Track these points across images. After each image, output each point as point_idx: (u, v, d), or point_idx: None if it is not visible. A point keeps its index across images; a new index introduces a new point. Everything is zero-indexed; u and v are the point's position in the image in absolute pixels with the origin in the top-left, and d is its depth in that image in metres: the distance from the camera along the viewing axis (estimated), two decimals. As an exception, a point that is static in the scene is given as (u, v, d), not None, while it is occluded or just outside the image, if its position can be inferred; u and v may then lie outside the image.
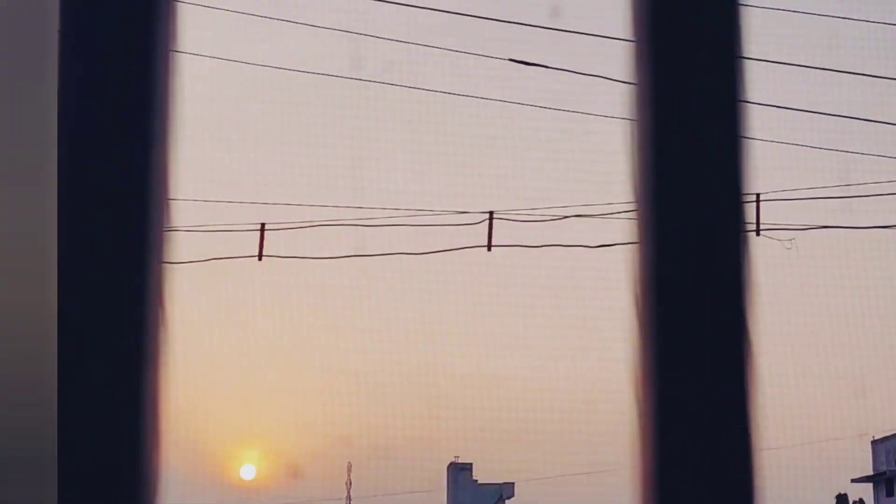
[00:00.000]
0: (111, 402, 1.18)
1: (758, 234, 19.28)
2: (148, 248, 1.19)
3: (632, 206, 1.08)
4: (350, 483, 68.44)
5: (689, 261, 1.02)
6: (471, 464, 57.85)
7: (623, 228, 20.56)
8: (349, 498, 69.32)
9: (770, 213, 19.59)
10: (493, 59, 19.25)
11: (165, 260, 1.22)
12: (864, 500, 37.20)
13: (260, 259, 19.76)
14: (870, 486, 36.90)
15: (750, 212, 1.05)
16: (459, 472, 57.65)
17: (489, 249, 20.69)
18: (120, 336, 1.17)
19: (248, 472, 51.11)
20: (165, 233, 1.22)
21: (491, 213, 20.45)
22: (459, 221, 20.86)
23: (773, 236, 19.26)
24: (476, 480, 58.08)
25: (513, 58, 19.09)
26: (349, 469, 66.14)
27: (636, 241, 1.07)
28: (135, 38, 1.19)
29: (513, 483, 56.73)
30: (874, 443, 34.70)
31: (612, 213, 20.78)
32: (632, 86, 1.10)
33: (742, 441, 1.01)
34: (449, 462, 57.33)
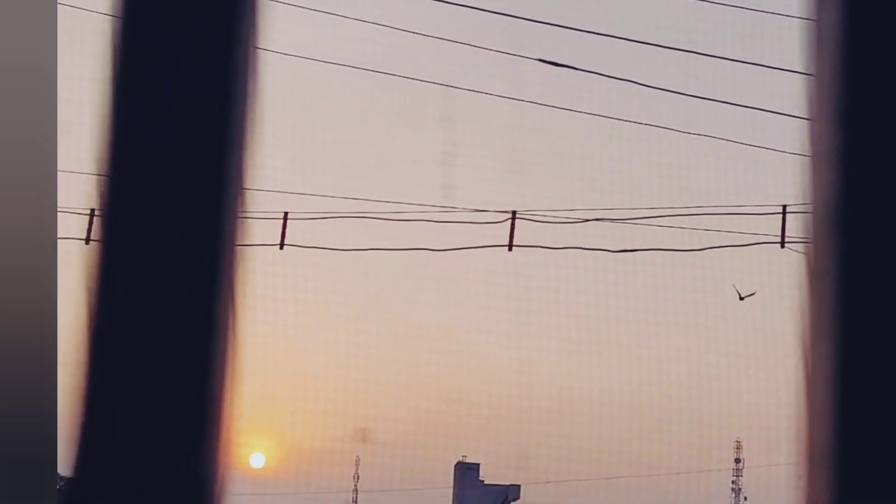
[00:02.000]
0: (180, 392, 1.14)
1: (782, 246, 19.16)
2: (221, 232, 1.15)
3: (806, 209, 1.00)
4: (358, 477, 68.62)
5: (874, 271, 0.94)
6: (478, 464, 57.93)
7: (646, 234, 20.42)
8: (356, 491, 69.49)
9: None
10: (525, 59, 19.18)
11: (238, 244, 1.18)
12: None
13: (281, 248, 19.70)
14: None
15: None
16: (466, 472, 57.69)
17: (510, 249, 20.58)
18: (192, 325, 1.13)
19: (257, 460, 51.31)
20: (239, 218, 1.19)
21: (514, 212, 20.34)
22: (481, 220, 20.77)
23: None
24: (482, 481, 58.15)
25: (542, 58, 19.02)
26: (357, 463, 66.37)
27: (810, 247, 0.99)
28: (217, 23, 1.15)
29: (519, 486, 56.81)
30: None
31: (635, 219, 20.68)
32: (809, 75, 1.02)
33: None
34: (456, 461, 57.38)
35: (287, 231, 19.54)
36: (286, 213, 19.58)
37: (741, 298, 22.00)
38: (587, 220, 20.77)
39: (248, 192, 1.21)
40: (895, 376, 0.93)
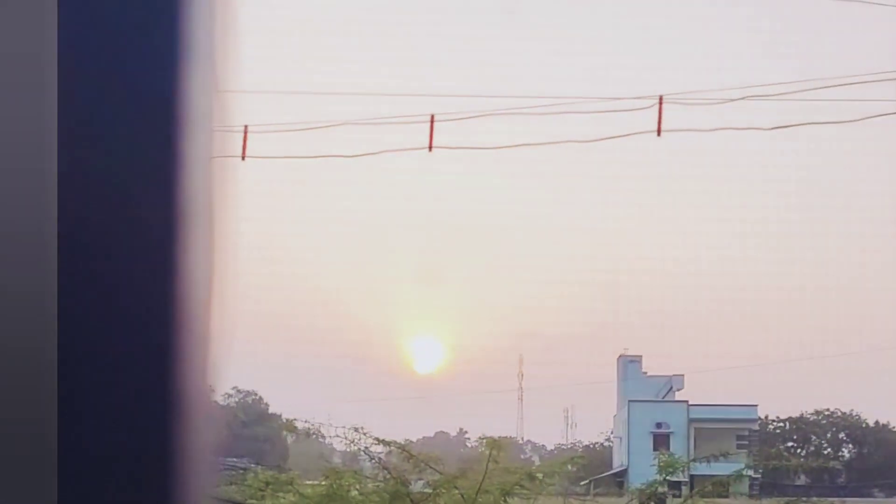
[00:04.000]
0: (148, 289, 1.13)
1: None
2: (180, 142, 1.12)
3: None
4: (522, 375, 69.12)
5: None
6: (640, 356, 57.84)
7: (800, 109, 19.95)
8: (521, 389, 70.07)
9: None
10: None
11: (217, 154, 1.16)
12: None
13: (430, 150, 19.81)
14: None
15: None
16: (629, 365, 57.70)
17: (659, 134, 20.29)
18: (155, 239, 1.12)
19: (424, 364, 52.06)
20: (217, 127, 1.16)
21: (661, 97, 20.02)
22: (628, 107, 20.53)
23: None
24: (645, 373, 58.06)
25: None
26: (521, 362, 66.79)
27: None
28: None
29: (682, 376, 56.55)
30: None
31: (786, 94, 20.20)
32: None
33: None
34: (619, 354, 57.43)
35: (434, 133, 19.59)
36: (433, 116, 19.62)
37: None
38: (733, 100, 20.35)
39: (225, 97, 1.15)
40: None
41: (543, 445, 78.71)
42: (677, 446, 47.48)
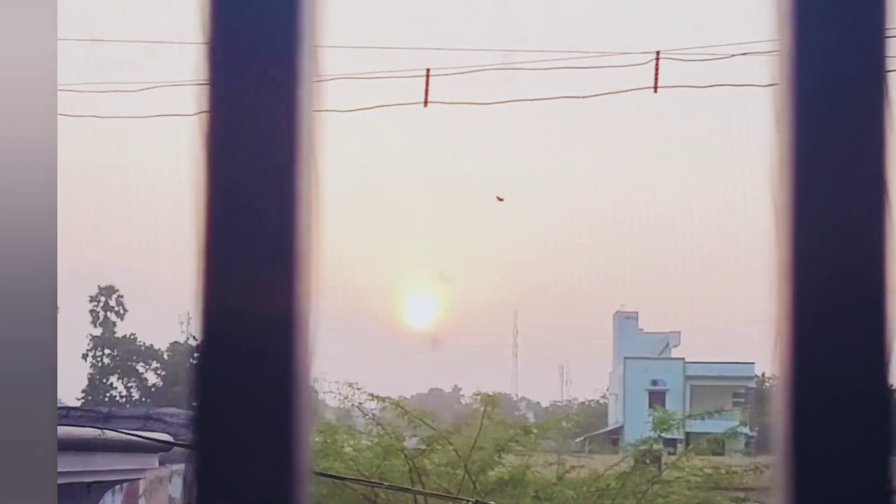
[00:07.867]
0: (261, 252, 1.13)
1: None
2: (296, 96, 1.14)
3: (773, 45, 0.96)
4: (517, 331, 69.30)
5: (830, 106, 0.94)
6: (636, 312, 57.95)
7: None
8: (516, 345, 70.33)
9: None
10: None
11: (316, 108, 1.18)
12: None
13: (426, 105, 19.69)
14: None
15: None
16: (625, 321, 57.78)
17: (655, 91, 20.18)
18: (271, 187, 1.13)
19: (419, 319, 52.28)
20: (315, 80, 1.18)
21: (658, 52, 19.90)
22: (622, 63, 20.39)
23: None
24: (641, 329, 58.17)
25: None
26: (515, 317, 66.96)
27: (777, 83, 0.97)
28: None
29: (678, 332, 56.68)
30: None
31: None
32: None
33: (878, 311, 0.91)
34: (615, 311, 57.48)
35: (430, 88, 19.45)
36: (428, 70, 19.49)
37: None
38: (732, 56, 20.21)
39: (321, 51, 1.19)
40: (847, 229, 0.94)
41: (538, 402, 79.11)
42: (673, 404, 47.57)
